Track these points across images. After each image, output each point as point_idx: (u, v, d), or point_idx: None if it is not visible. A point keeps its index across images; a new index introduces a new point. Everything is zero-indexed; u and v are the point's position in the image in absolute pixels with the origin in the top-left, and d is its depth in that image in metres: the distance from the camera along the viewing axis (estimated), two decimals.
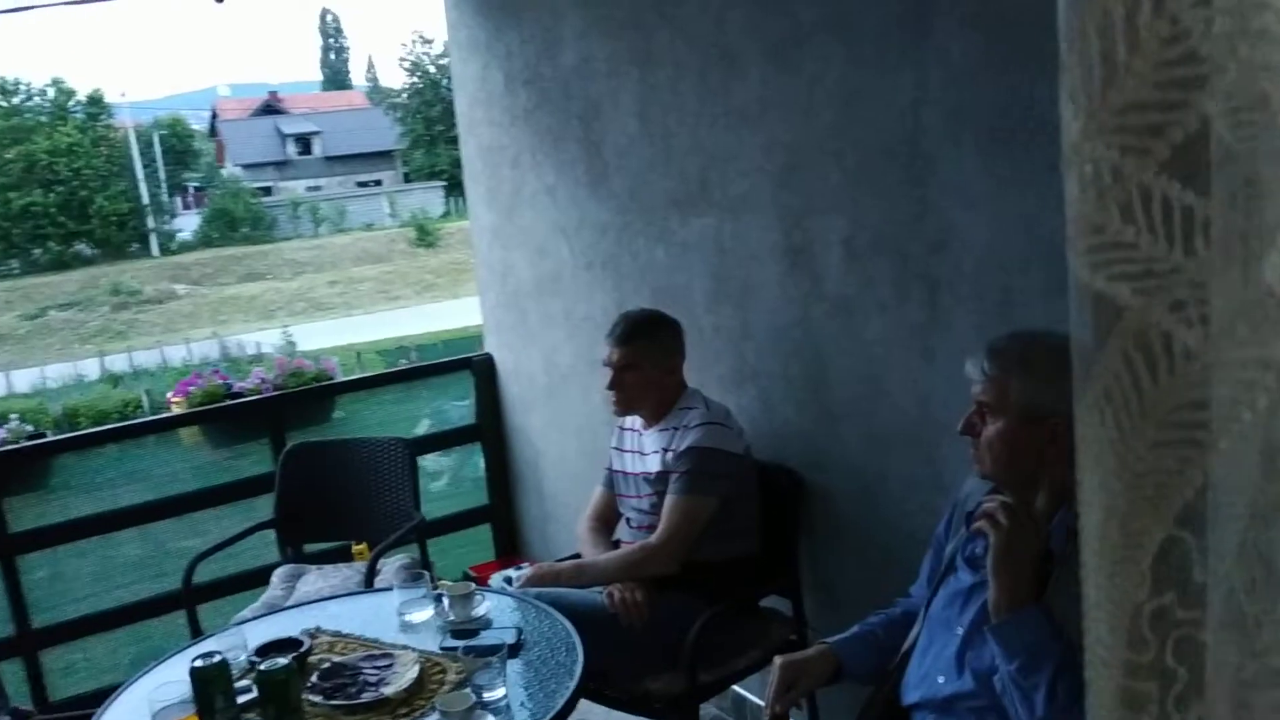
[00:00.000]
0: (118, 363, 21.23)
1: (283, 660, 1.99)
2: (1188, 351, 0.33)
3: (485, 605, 2.37)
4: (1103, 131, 0.33)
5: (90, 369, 20.95)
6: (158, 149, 39.02)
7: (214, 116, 46.53)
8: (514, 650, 2.17)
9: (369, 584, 3.02)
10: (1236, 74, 0.30)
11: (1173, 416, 0.34)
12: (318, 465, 3.46)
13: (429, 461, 4.67)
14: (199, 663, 1.93)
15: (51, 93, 35.83)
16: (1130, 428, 0.35)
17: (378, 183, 42.10)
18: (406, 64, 41.22)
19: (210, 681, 1.91)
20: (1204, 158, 0.32)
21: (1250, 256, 0.30)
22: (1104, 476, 0.36)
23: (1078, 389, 0.37)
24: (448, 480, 6.08)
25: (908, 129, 2.23)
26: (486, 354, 4.16)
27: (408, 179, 42.18)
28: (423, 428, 5.79)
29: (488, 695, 1.97)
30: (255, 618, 2.66)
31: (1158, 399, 0.34)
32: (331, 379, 4.28)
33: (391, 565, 3.22)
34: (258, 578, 3.51)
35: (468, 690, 1.96)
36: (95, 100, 36.09)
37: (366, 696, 2.01)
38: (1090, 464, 0.36)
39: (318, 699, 2.01)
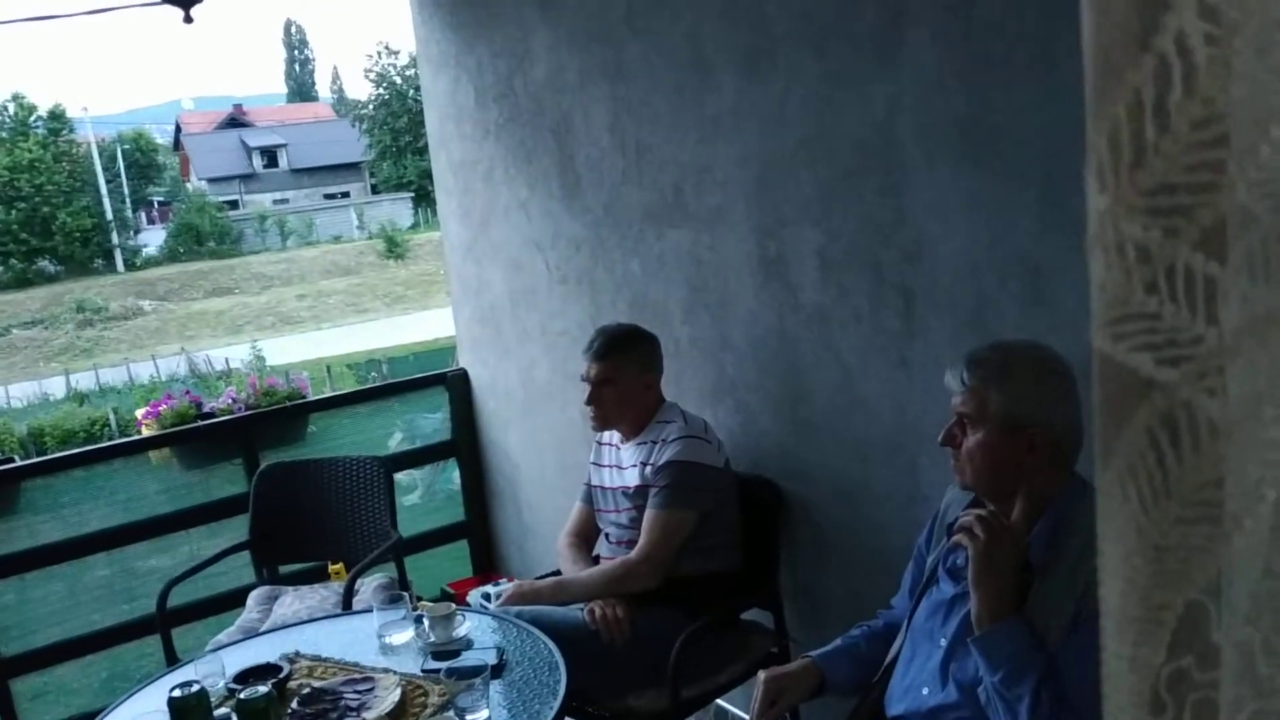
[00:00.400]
0: (84, 381, 21.01)
1: (262, 688, 1.96)
2: (1213, 428, 0.33)
3: (466, 626, 2.35)
4: (1131, 212, 0.33)
5: (56, 387, 20.70)
6: (121, 163, 38.70)
7: (178, 130, 46.20)
8: (496, 671, 2.15)
9: (347, 604, 2.99)
10: (1269, 155, 0.30)
11: (1198, 495, 0.34)
12: (292, 485, 3.42)
13: (400, 476, 4.64)
14: (177, 692, 1.91)
15: (12, 108, 35.48)
16: (1155, 504, 0.35)
17: (345, 195, 41.91)
18: (372, 75, 41.00)
19: (188, 711, 1.89)
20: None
21: (1273, 332, 0.30)
22: (1126, 551, 0.36)
23: (1100, 460, 0.37)
24: (420, 494, 6.06)
25: (881, 140, 2.24)
26: (461, 369, 4.14)
27: (375, 190, 42.01)
28: (396, 439, 5.76)
29: (471, 718, 1.95)
30: (232, 642, 2.62)
31: (1183, 476, 0.34)
32: (304, 397, 4.23)
33: (370, 585, 3.19)
34: (233, 600, 3.47)
35: (451, 713, 1.95)
36: (57, 115, 35.76)
37: None
38: (1112, 537, 0.36)
39: None
